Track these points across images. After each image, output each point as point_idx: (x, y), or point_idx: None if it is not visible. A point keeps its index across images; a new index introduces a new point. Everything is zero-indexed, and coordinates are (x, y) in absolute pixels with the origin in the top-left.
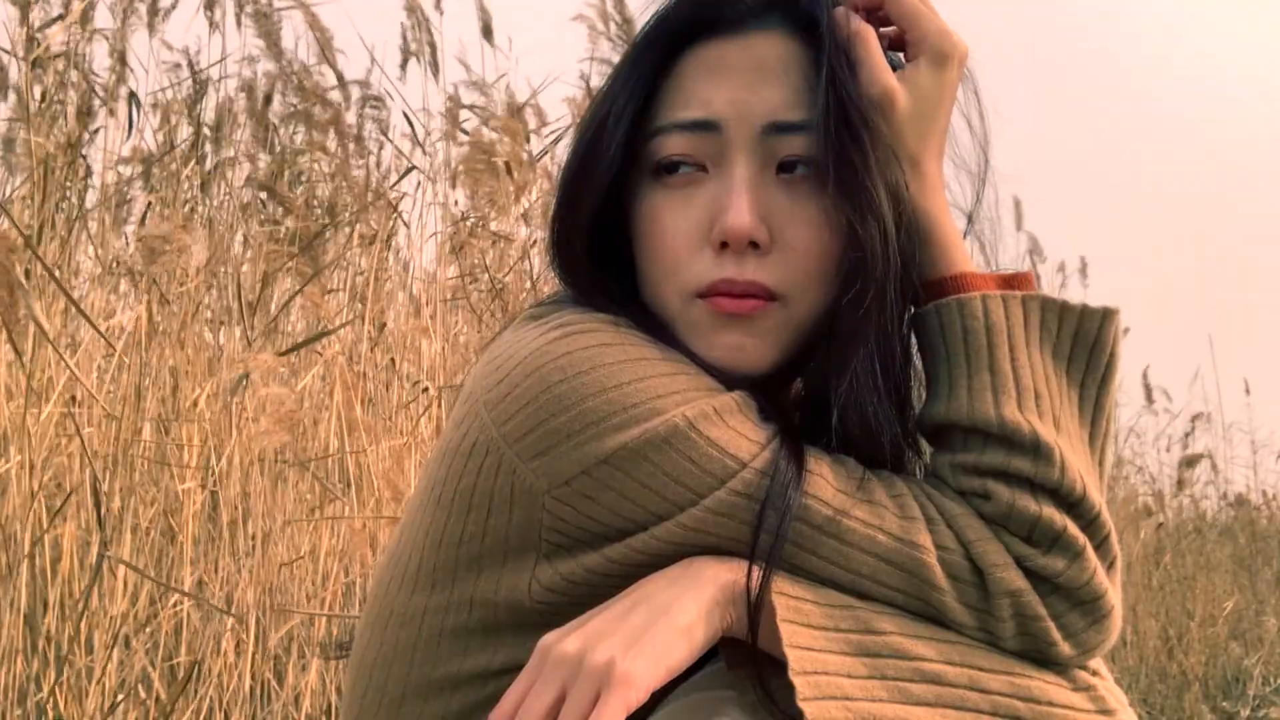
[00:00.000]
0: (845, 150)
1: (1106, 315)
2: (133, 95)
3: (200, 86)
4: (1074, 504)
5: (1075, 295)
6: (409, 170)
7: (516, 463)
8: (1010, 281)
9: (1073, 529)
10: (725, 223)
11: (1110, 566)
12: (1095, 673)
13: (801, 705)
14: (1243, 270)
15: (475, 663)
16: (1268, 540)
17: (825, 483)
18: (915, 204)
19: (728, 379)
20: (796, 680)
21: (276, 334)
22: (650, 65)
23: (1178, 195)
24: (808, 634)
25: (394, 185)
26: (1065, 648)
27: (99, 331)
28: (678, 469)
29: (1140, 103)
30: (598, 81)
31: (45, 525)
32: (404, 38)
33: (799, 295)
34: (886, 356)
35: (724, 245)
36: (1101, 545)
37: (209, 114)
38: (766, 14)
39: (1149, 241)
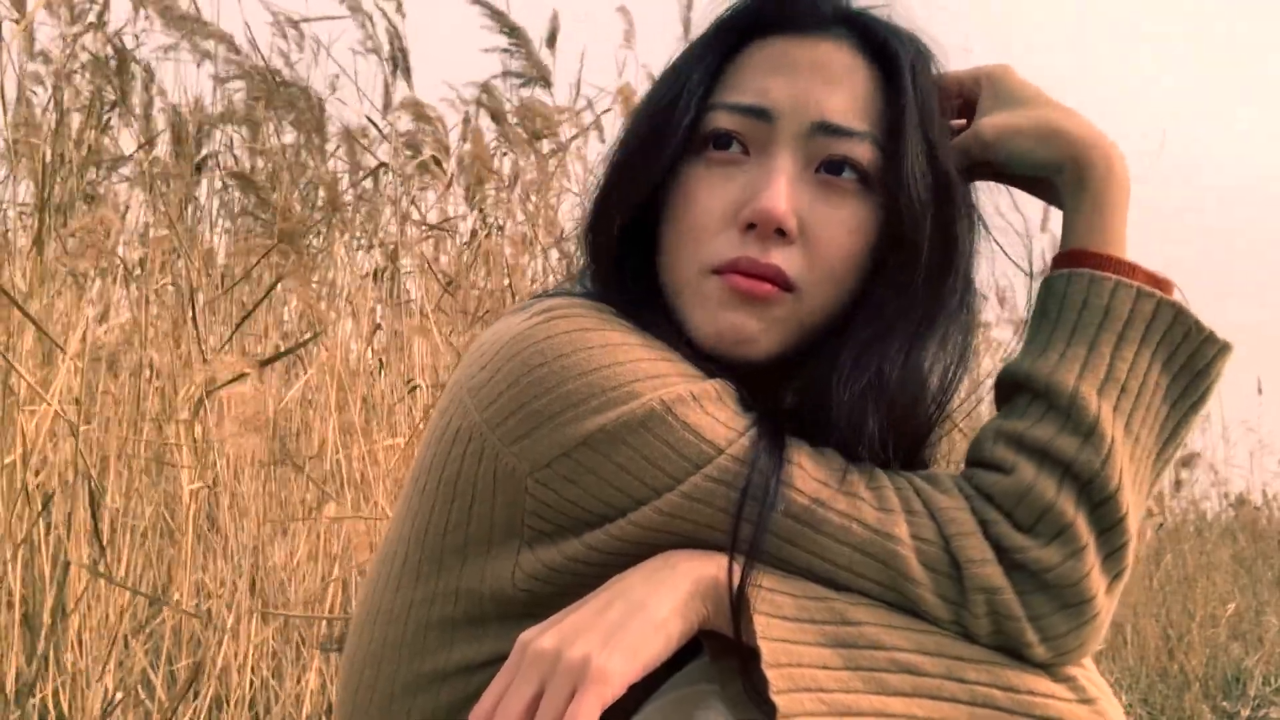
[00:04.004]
0: (913, 169)
1: (1224, 349)
2: (175, 110)
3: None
4: (1100, 500)
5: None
6: (378, 167)
7: (499, 447)
8: (1156, 280)
9: (1081, 525)
10: (759, 204)
11: (1116, 576)
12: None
13: (775, 698)
14: (1248, 269)
15: (462, 655)
16: (1268, 540)
17: (803, 472)
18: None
19: (709, 369)
20: (770, 673)
21: (265, 339)
22: (720, 51)
23: (1180, 193)
24: (782, 626)
25: (358, 182)
26: (1040, 650)
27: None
28: (654, 453)
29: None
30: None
31: (35, 523)
32: (389, 41)
33: (813, 291)
34: (907, 367)
35: (750, 227)
36: (1116, 552)
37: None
38: (838, 25)
39: (1148, 240)
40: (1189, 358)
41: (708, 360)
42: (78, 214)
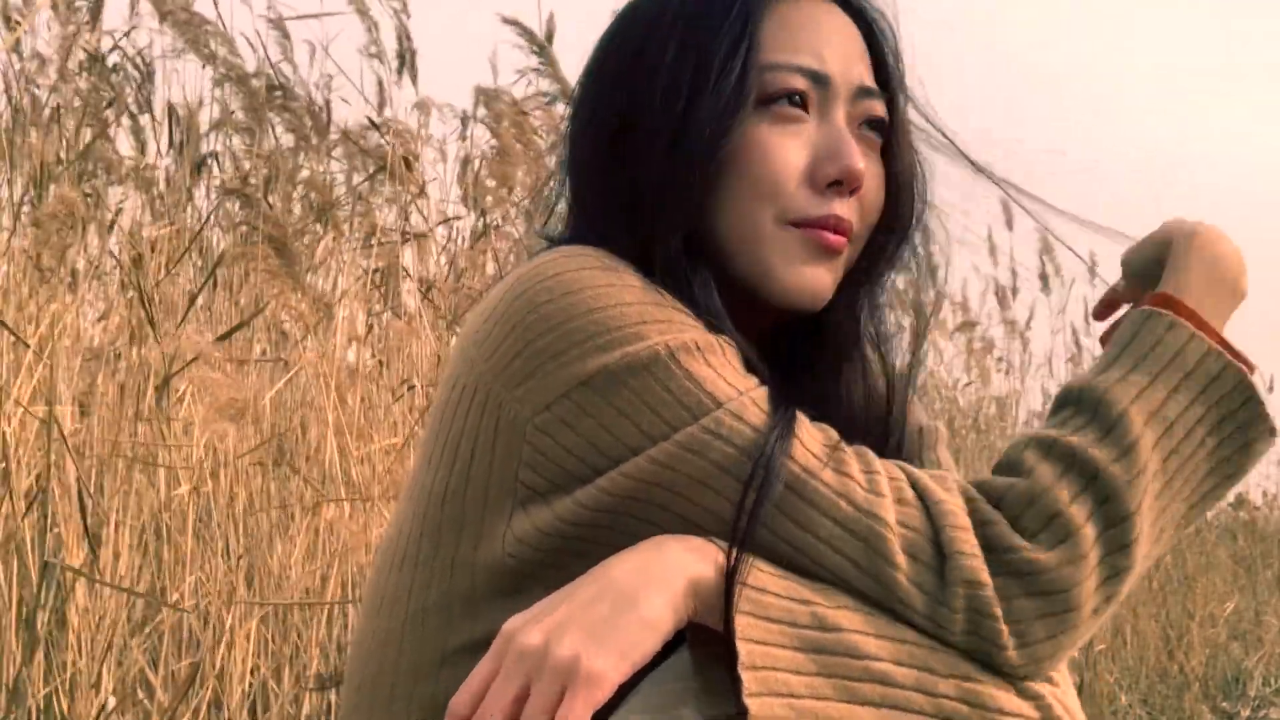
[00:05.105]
0: (906, 143)
1: (1270, 432)
2: (171, 108)
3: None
4: (1116, 518)
5: (1086, 295)
6: (376, 171)
7: (503, 394)
8: (1236, 355)
9: (1087, 535)
10: (848, 163)
11: (1107, 600)
12: (1050, 679)
13: (746, 700)
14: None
15: (459, 636)
16: (1268, 540)
17: (799, 443)
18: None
19: (713, 326)
20: (745, 675)
21: (255, 340)
22: (758, 8)
23: (1171, 190)
24: (762, 627)
25: (358, 185)
26: (1013, 655)
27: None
28: (654, 398)
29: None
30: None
31: (35, 528)
32: (399, 42)
33: (856, 243)
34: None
35: (832, 184)
36: (1116, 575)
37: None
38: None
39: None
40: (1238, 428)
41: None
42: (45, 202)
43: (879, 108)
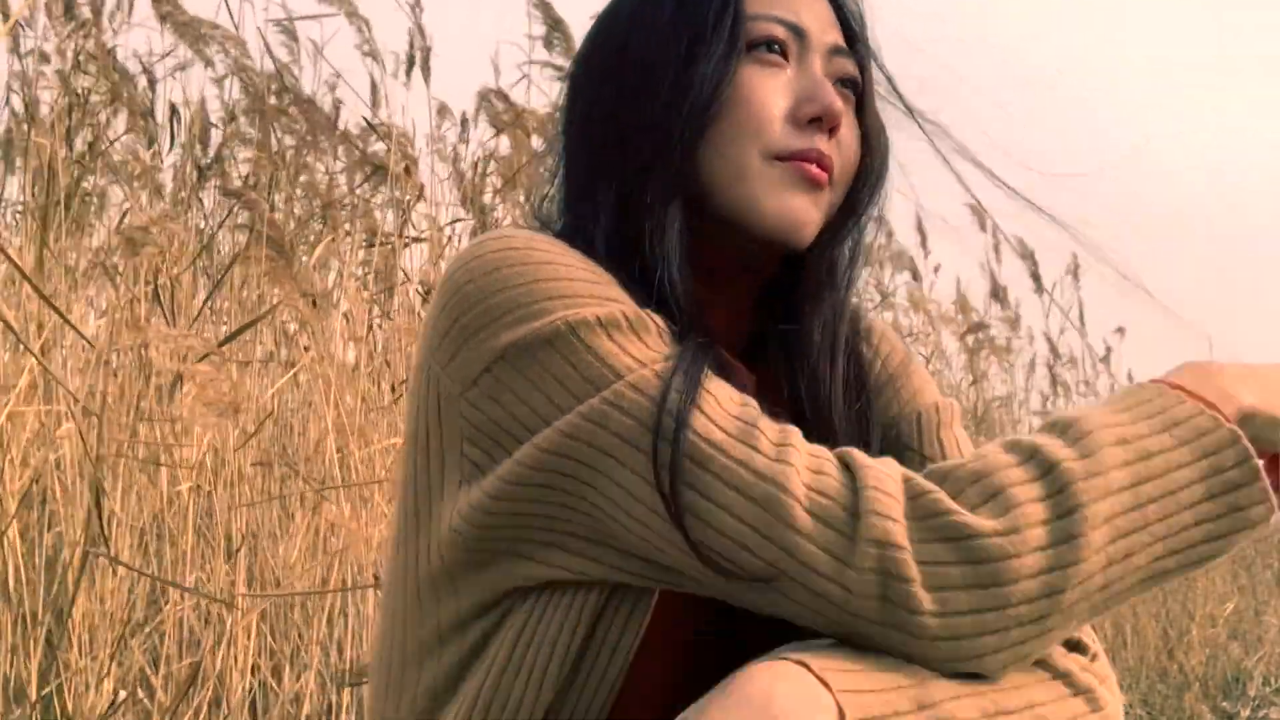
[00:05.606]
0: (874, 107)
1: (1267, 506)
2: (173, 109)
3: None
4: (1070, 507)
5: (1070, 298)
6: (374, 171)
7: (439, 372)
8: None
9: (1034, 510)
10: (825, 101)
11: (1049, 594)
12: (1090, 669)
13: None
14: (1248, 268)
15: (448, 611)
16: (1268, 540)
17: (702, 414)
18: None
19: (642, 297)
20: None
21: (259, 341)
22: None
23: (1178, 192)
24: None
25: (358, 187)
26: (931, 623)
27: (71, 325)
28: (560, 372)
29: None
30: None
31: (28, 521)
32: (410, 44)
33: (838, 188)
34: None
35: (812, 122)
36: (1068, 567)
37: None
38: None
39: (1145, 237)
40: (1232, 488)
41: (641, 285)
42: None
43: (851, 67)
